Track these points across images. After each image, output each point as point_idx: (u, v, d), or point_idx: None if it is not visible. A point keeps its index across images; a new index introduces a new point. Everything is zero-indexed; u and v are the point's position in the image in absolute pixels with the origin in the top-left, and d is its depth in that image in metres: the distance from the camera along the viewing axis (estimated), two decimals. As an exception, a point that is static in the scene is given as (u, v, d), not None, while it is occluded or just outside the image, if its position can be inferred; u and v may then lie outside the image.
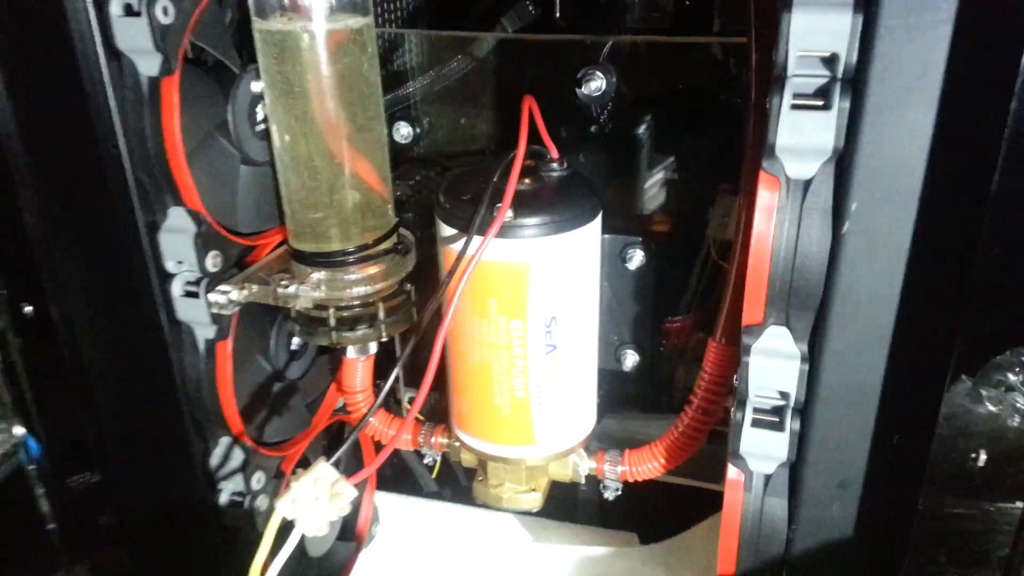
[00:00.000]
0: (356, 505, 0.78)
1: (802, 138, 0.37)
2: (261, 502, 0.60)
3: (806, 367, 0.41)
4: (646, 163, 0.60)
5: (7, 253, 0.52)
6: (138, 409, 0.56)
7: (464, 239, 0.50)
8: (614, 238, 0.59)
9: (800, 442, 0.43)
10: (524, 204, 0.49)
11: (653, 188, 0.61)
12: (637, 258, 0.59)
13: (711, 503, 0.73)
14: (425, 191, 0.68)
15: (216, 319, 0.53)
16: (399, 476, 0.84)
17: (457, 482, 0.83)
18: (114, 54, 0.46)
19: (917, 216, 0.36)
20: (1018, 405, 0.40)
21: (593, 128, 0.60)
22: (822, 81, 0.36)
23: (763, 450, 0.44)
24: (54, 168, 0.49)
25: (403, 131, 0.65)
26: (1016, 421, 0.41)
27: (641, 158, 0.60)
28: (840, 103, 0.35)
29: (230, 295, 0.52)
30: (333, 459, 0.45)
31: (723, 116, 0.58)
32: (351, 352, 0.58)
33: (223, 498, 0.59)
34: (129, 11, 0.45)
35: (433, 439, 0.62)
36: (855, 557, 0.44)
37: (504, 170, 0.50)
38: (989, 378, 0.39)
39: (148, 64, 0.46)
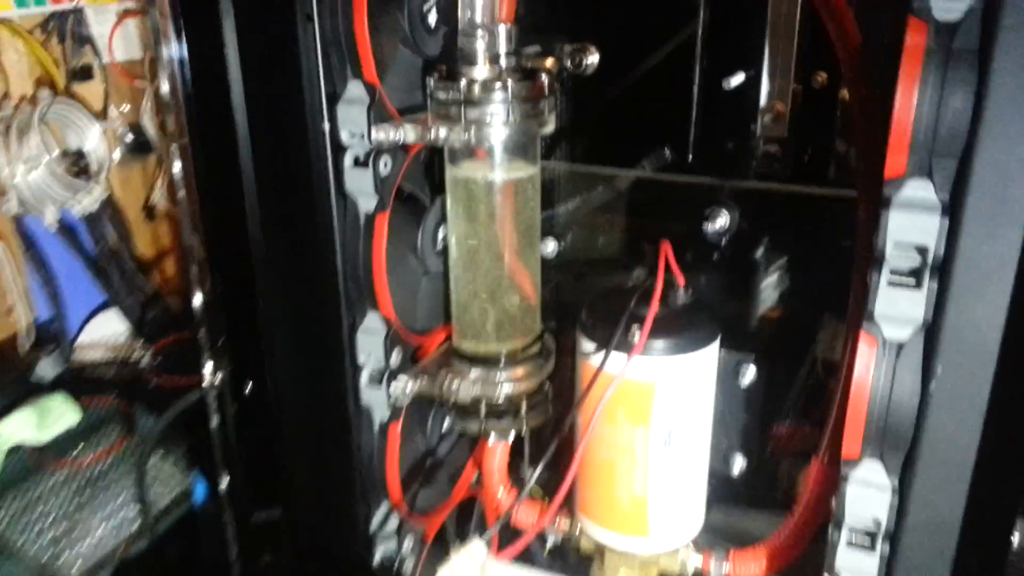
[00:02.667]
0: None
1: (896, 310, 0.44)
2: (408, 564, 0.70)
3: (896, 499, 0.47)
4: (761, 289, 0.68)
5: (243, 342, 0.66)
6: (323, 476, 0.68)
7: (602, 354, 0.60)
8: (729, 354, 0.67)
9: (888, 565, 0.49)
10: (654, 328, 0.58)
11: (766, 312, 0.69)
12: (749, 374, 0.66)
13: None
14: (562, 293, 0.79)
15: (391, 404, 0.64)
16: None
17: (564, 558, 0.90)
18: (341, 194, 0.59)
19: (992, 382, 0.42)
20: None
21: (715, 256, 0.69)
22: (915, 263, 0.44)
23: (854, 569, 0.50)
24: (287, 276, 0.62)
25: (549, 247, 0.76)
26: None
27: (756, 285, 0.68)
28: (929, 284, 0.43)
29: (406, 387, 0.63)
30: (486, 537, 0.55)
31: (830, 255, 0.66)
32: (493, 439, 0.68)
33: (377, 557, 0.69)
34: (358, 163, 0.58)
35: (557, 521, 0.71)
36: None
37: (640, 297, 0.60)
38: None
39: (367, 203, 0.59)
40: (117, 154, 1.19)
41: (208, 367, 0.65)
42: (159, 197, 1.27)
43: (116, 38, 1.21)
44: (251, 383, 0.65)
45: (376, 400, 0.65)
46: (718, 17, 0.63)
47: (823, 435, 0.60)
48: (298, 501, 0.69)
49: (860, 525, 0.50)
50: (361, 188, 0.58)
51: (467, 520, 0.81)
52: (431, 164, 0.65)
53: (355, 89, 0.56)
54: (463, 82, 0.55)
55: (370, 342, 0.63)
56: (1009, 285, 0.41)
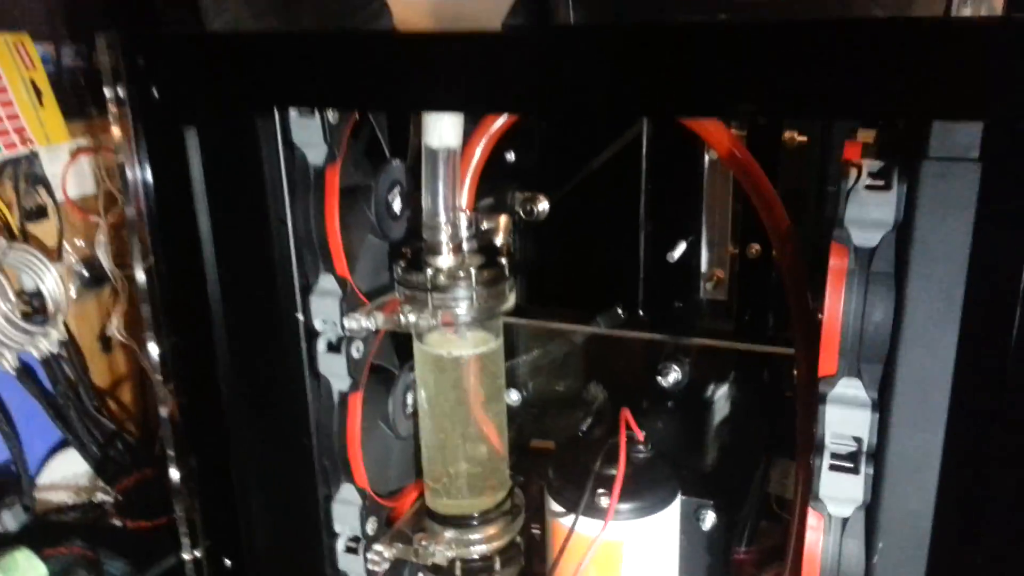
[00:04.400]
0: None
1: (838, 491, 0.49)
2: None
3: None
4: (713, 437, 0.72)
5: (220, 516, 0.67)
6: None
7: (567, 516, 0.63)
8: (689, 500, 0.71)
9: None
10: (620, 490, 0.62)
11: (720, 457, 0.73)
12: (709, 519, 0.70)
13: None
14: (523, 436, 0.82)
15: (369, 573, 0.66)
16: None
17: None
18: (315, 374, 0.62)
19: (928, 558, 0.47)
20: None
21: (669, 403, 0.73)
22: (852, 449, 0.48)
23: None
24: (262, 453, 0.64)
25: (513, 396, 0.80)
26: None
27: (708, 432, 0.72)
28: (866, 469, 0.47)
29: (384, 554, 0.65)
30: None
31: (775, 402, 0.71)
32: (468, 594, 0.70)
33: None
34: (331, 348, 0.61)
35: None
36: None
37: (604, 457, 0.64)
38: None
39: (341, 383, 0.62)
40: (73, 292, 1.19)
41: (185, 544, 0.66)
42: (115, 329, 1.27)
43: (69, 175, 1.23)
44: (229, 561, 0.66)
45: (353, 567, 0.66)
46: (659, 192, 0.68)
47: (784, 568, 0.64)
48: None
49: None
50: (334, 371, 0.61)
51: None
52: (397, 334, 0.68)
53: (327, 282, 0.60)
54: (429, 272, 0.59)
55: (346, 512, 0.65)
56: (936, 470, 0.46)
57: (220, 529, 0.66)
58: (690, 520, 0.71)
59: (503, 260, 0.62)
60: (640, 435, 0.67)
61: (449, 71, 0.48)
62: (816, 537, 0.50)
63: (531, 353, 0.79)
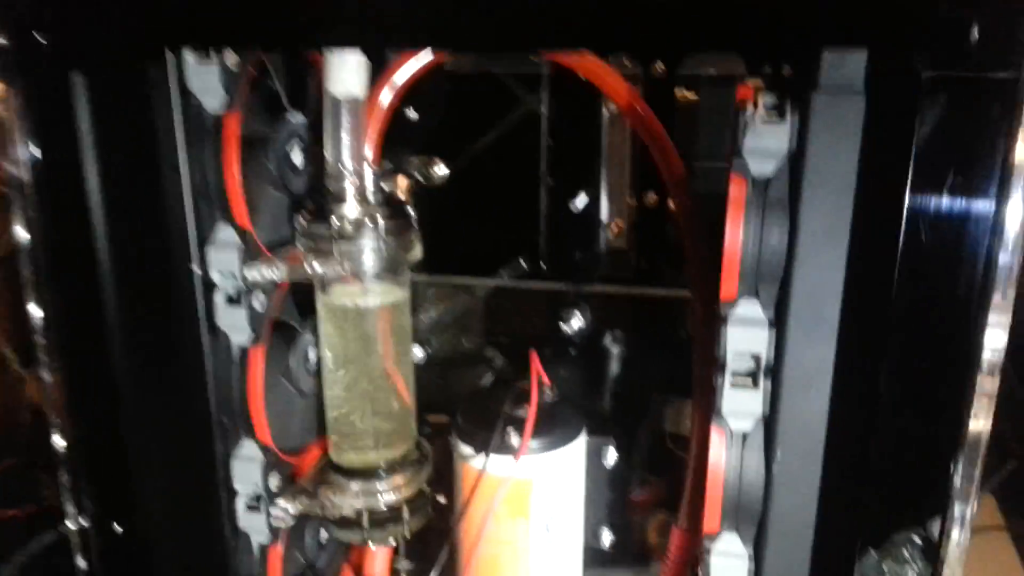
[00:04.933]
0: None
1: (739, 406, 0.52)
2: None
3: (752, 565, 0.55)
4: (614, 378, 0.75)
5: (108, 481, 0.63)
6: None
7: (481, 456, 0.64)
8: (592, 439, 0.73)
9: None
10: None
11: (620, 397, 0.76)
12: (611, 456, 0.73)
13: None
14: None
15: (272, 529, 0.64)
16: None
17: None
18: (213, 328, 0.59)
19: (823, 462, 0.51)
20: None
21: (572, 351, 0.75)
22: (751, 367, 0.52)
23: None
24: (156, 411, 0.61)
25: (418, 354, 0.80)
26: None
27: (609, 375, 0.75)
28: (764, 384, 0.51)
29: (288, 509, 0.64)
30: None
31: (671, 344, 0.74)
32: (375, 545, 0.70)
33: None
34: (231, 301, 0.58)
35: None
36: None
37: (512, 399, 0.65)
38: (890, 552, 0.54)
39: (241, 337, 0.59)
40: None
41: (71, 513, 0.61)
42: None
43: None
44: (119, 526, 0.63)
45: (255, 525, 0.64)
46: (560, 147, 0.70)
47: (680, 507, 0.68)
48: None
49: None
50: (234, 324, 0.59)
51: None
52: (299, 290, 0.67)
53: (225, 233, 0.57)
54: (335, 221, 0.58)
55: (246, 469, 0.63)
56: (828, 382, 0.50)
57: (110, 494, 0.62)
58: (593, 459, 0.73)
59: (410, 210, 0.61)
60: (546, 379, 0.69)
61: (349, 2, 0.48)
62: (719, 452, 0.54)
63: (434, 309, 0.79)
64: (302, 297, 0.66)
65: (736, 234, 0.49)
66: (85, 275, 0.56)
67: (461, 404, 0.69)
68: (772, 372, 0.51)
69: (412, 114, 0.73)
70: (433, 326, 0.80)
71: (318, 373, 0.70)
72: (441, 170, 0.72)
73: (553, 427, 0.64)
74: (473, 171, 0.72)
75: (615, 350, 0.74)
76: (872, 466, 0.49)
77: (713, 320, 0.65)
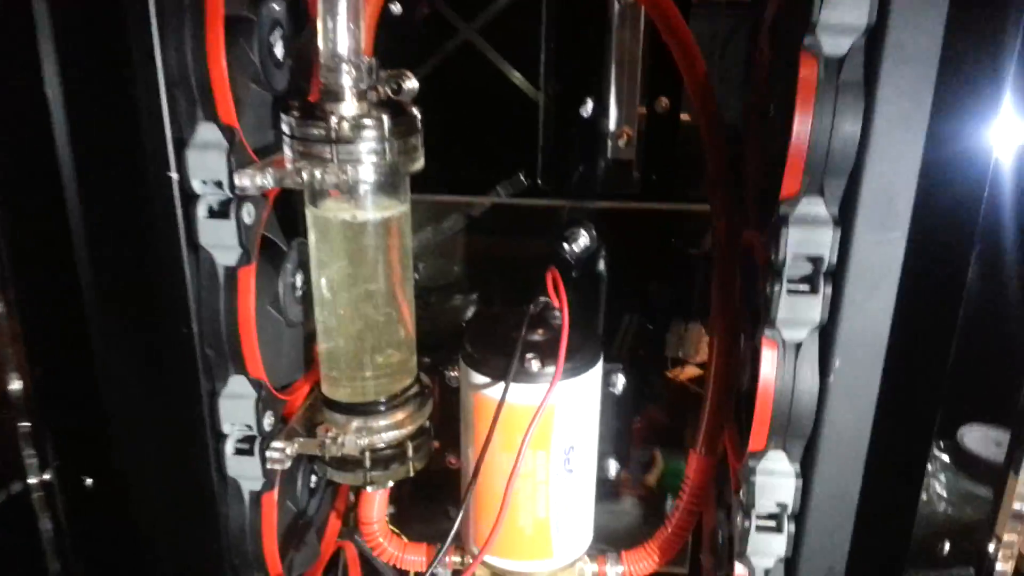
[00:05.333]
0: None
1: (795, 314, 0.48)
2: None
3: (800, 482, 0.52)
4: (619, 301, 0.71)
5: (76, 429, 0.55)
6: (183, 554, 0.59)
7: (494, 386, 0.59)
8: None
9: (795, 541, 0.54)
10: (547, 354, 0.58)
11: (625, 323, 0.72)
12: (620, 383, 0.69)
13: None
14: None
15: (267, 474, 0.58)
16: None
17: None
18: (193, 248, 0.51)
19: (882, 374, 0.48)
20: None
21: (574, 274, 0.70)
22: (808, 271, 0.48)
23: (765, 550, 0.54)
24: (132, 348, 0.53)
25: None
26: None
27: (615, 297, 0.71)
28: (824, 289, 0.47)
29: (286, 451, 0.57)
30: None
31: (679, 266, 0.70)
32: (370, 487, 0.64)
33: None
34: (214, 213, 0.51)
35: (447, 559, 0.68)
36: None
37: (530, 322, 0.60)
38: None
39: (227, 257, 0.52)
40: None
41: (31, 465, 0.53)
42: None
43: None
44: (91, 479, 0.55)
45: (246, 470, 0.57)
46: (562, 47, 0.64)
47: (698, 431, 0.65)
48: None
49: (767, 510, 0.54)
50: (220, 241, 0.51)
51: (330, 574, 0.76)
52: (283, 203, 0.59)
53: (208, 132, 0.49)
54: (332, 120, 0.51)
55: (236, 408, 0.56)
56: (895, 286, 0.46)
57: (78, 443, 0.54)
58: (602, 386, 0.69)
59: (415, 111, 0.54)
60: (555, 301, 0.63)
61: None
62: (771, 365, 0.50)
63: (422, 232, 0.72)
64: (285, 212, 0.59)
65: (805, 122, 0.44)
66: (45, 184, 0.47)
67: (468, 330, 0.63)
68: (834, 275, 0.47)
69: (396, 7, 0.65)
70: (423, 250, 0.73)
71: (305, 300, 0.63)
72: (411, 83, 0.65)
73: (573, 350, 0.59)
74: (463, 76, 0.65)
75: (622, 271, 0.70)
76: (940, 375, 0.46)
77: (735, 236, 0.61)
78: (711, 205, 0.61)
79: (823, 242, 0.47)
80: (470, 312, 0.78)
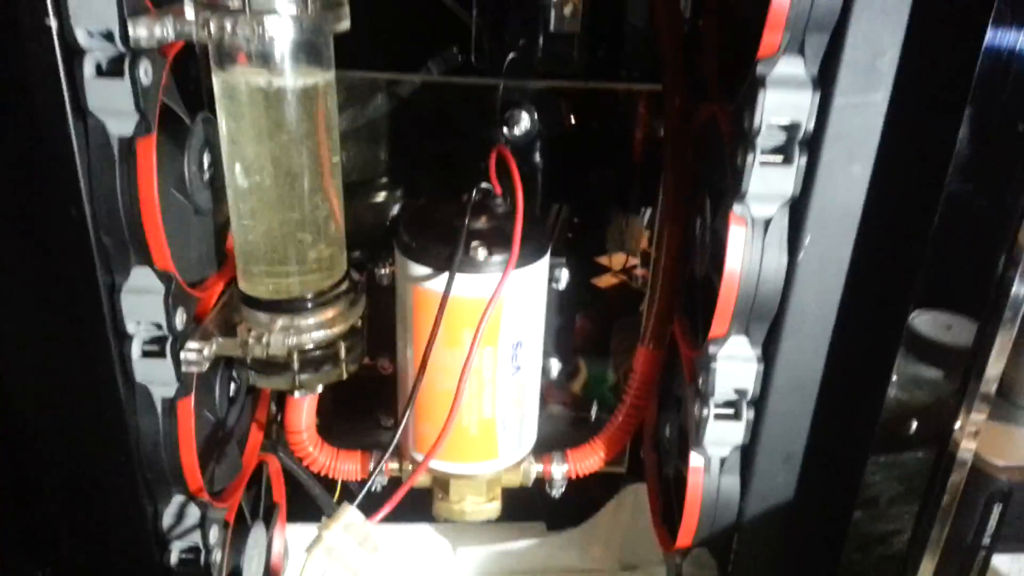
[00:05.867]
0: (270, 540, 0.77)
1: (767, 187, 0.45)
2: (215, 556, 0.59)
3: (762, 367, 0.50)
4: (563, 189, 0.66)
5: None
6: (87, 475, 0.53)
7: (437, 278, 0.54)
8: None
9: (753, 428, 0.52)
10: (493, 242, 0.54)
11: (571, 212, 0.67)
12: (564, 278, 0.65)
13: (611, 486, 0.83)
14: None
15: (181, 378, 0.51)
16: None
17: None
18: (80, 112, 0.43)
19: (855, 244, 0.46)
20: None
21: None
22: (783, 141, 0.44)
23: (723, 438, 0.52)
24: (7, 228, 0.45)
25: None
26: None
27: (558, 185, 0.66)
28: (799, 160, 0.44)
29: (203, 351, 0.51)
30: (357, 501, 0.47)
31: (622, 153, 0.66)
32: (299, 392, 0.59)
33: (174, 559, 0.57)
34: (102, 72, 0.42)
35: (385, 465, 0.64)
36: (796, 517, 0.54)
37: (473, 209, 0.54)
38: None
39: (122, 125, 0.44)
40: None
41: None
42: None
43: None
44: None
45: (157, 374, 0.51)
46: None
47: (646, 323, 0.62)
48: (65, 518, 0.54)
49: (725, 398, 0.52)
50: (113, 105, 0.43)
51: (252, 488, 0.71)
52: (179, 71, 0.51)
53: (90, -34, 0.41)
54: (243, -41, 0.43)
55: (142, 304, 0.48)
56: (872, 156, 0.43)
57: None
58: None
59: (338, -44, 0.47)
60: (498, 187, 0.58)
61: None
62: (739, 245, 0.47)
63: (344, 113, 0.65)
64: (183, 81, 0.51)
65: (788, -33, 0.40)
66: None
67: (403, 219, 0.57)
68: (810, 144, 0.44)
69: None
70: (346, 132, 0.66)
71: (214, 185, 0.55)
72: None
73: (523, 239, 0.55)
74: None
75: (564, 155, 0.65)
76: (920, 252, 0.44)
77: (690, 114, 0.57)
78: (664, 80, 0.57)
79: (801, 106, 0.43)
80: (396, 208, 0.72)
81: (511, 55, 0.61)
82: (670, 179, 0.58)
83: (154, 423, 0.52)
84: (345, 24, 0.49)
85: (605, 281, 0.77)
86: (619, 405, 0.64)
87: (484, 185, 0.57)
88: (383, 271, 0.62)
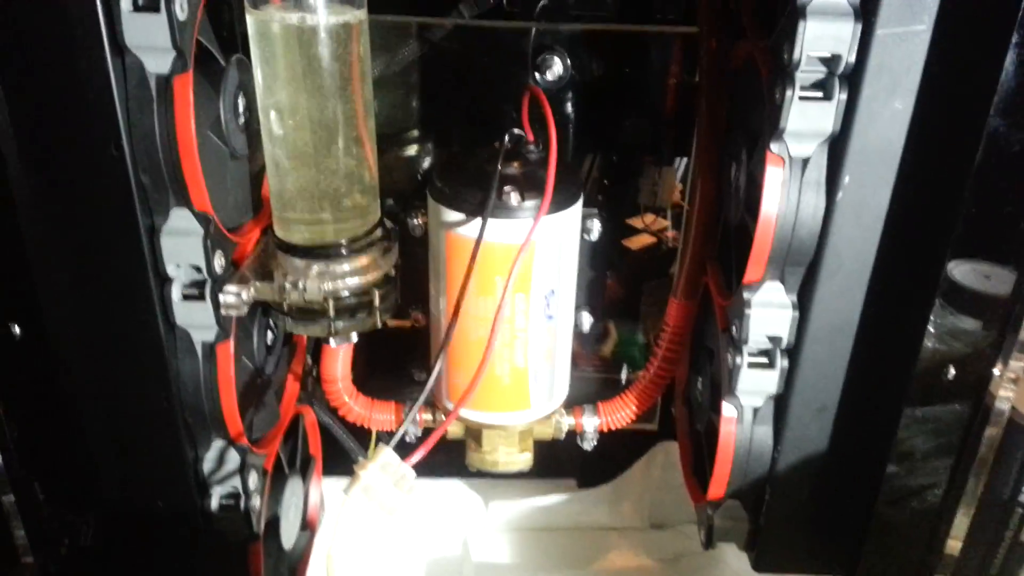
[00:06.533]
0: (306, 492, 0.78)
1: (806, 124, 0.44)
2: (254, 502, 0.60)
3: (797, 314, 0.49)
4: (596, 140, 0.66)
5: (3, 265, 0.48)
6: (128, 420, 0.54)
7: (469, 223, 0.54)
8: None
9: (786, 378, 0.51)
10: (526, 187, 0.53)
11: (601, 164, 0.67)
12: (596, 229, 0.65)
13: (642, 444, 0.83)
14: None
15: (220, 321, 0.52)
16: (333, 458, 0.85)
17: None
18: (118, 50, 0.44)
19: (895, 186, 0.45)
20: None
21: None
22: (823, 75, 0.43)
23: (756, 387, 0.52)
24: (47, 171, 0.46)
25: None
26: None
27: (590, 133, 0.65)
28: (839, 94, 0.43)
29: (241, 295, 0.51)
30: (393, 443, 0.48)
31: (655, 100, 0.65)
32: (334, 341, 0.59)
33: (214, 504, 0.58)
34: (141, 6, 0.43)
35: (417, 416, 0.65)
36: (829, 469, 0.53)
37: (505, 155, 0.54)
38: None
39: (159, 62, 0.44)
40: None
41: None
42: None
43: None
44: (19, 327, 0.49)
45: (197, 318, 0.51)
46: None
47: (679, 275, 0.61)
48: (106, 464, 0.55)
49: (759, 346, 0.51)
50: (150, 41, 0.43)
51: (290, 440, 0.72)
52: (217, 11, 0.51)
53: None
54: None
55: (181, 247, 0.49)
56: (914, 89, 0.42)
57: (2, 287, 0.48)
58: (578, 232, 0.65)
59: None
60: (530, 132, 0.58)
61: None
62: (776, 186, 0.46)
63: (376, 59, 0.65)
64: (217, 19, 0.51)
65: None
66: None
67: (437, 163, 0.57)
68: (850, 78, 0.43)
69: None
70: (377, 79, 0.66)
71: (248, 129, 0.56)
72: None
73: (556, 185, 0.54)
74: None
75: (598, 102, 0.64)
76: (959, 193, 0.43)
77: (725, 55, 0.56)
78: (698, 19, 0.56)
79: (842, 37, 0.42)
80: (428, 160, 0.72)
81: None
82: (704, 123, 0.57)
83: (194, 367, 0.53)
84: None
85: (636, 242, 0.77)
86: (650, 358, 0.63)
87: (516, 131, 0.57)
88: (416, 221, 0.62)
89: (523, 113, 0.55)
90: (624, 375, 0.82)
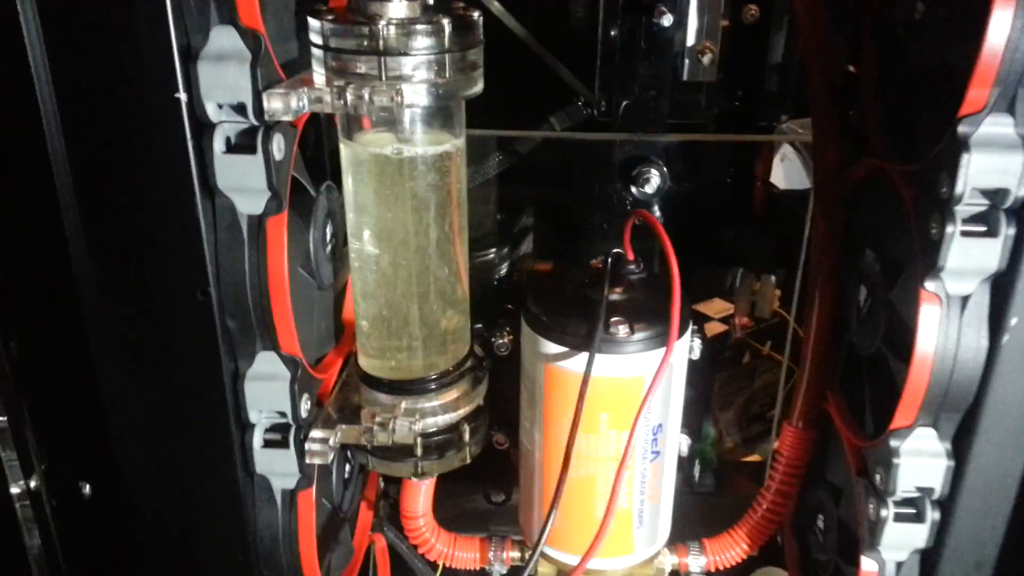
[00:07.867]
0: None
1: (968, 262, 0.39)
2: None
3: (952, 464, 0.44)
4: (695, 251, 0.61)
5: (65, 425, 0.44)
6: (203, 571, 0.50)
7: (573, 357, 0.49)
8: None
9: (937, 531, 0.45)
10: (633, 317, 0.49)
11: (702, 276, 0.62)
12: (697, 347, 0.60)
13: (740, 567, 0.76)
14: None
15: (304, 469, 0.48)
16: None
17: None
18: (208, 191, 0.40)
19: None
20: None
21: (637, 222, 0.60)
22: (985, 208, 0.39)
23: (901, 542, 0.46)
24: (129, 316, 0.42)
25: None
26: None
27: (690, 246, 0.61)
28: (1007, 231, 0.38)
29: (328, 441, 0.47)
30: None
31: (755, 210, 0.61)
32: (422, 477, 0.55)
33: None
34: (232, 147, 0.40)
35: (504, 554, 0.59)
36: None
37: (609, 280, 0.50)
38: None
39: (253, 204, 0.41)
40: None
41: (13, 468, 0.43)
42: None
43: None
44: (89, 485, 0.45)
45: (279, 465, 0.47)
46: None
47: (795, 399, 0.56)
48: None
49: (906, 496, 0.45)
50: (244, 182, 0.40)
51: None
52: (305, 138, 0.48)
53: (226, 38, 0.38)
54: (381, 24, 0.40)
55: (266, 391, 0.45)
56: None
57: (72, 443, 0.44)
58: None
59: (475, 16, 0.44)
60: (630, 252, 0.54)
61: None
62: (932, 327, 0.41)
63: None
64: (308, 151, 0.48)
65: (1004, 18, 0.35)
66: (15, 112, 0.36)
67: (531, 289, 0.53)
68: (1017, 213, 0.38)
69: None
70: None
71: (335, 257, 0.52)
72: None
73: (664, 313, 0.50)
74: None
75: (693, 216, 0.60)
76: None
77: (845, 168, 0.52)
78: (815, 129, 0.52)
79: (1011, 170, 0.37)
80: (505, 266, 0.68)
81: (634, 106, 0.57)
82: (823, 241, 0.52)
83: (273, 516, 0.49)
84: (478, 88, 0.45)
85: (707, 330, 0.72)
86: (762, 490, 0.58)
87: (615, 251, 0.53)
88: (501, 341, 0.58)
89: (625, 237, 0.51)
90: (696, 472, 0.77)
